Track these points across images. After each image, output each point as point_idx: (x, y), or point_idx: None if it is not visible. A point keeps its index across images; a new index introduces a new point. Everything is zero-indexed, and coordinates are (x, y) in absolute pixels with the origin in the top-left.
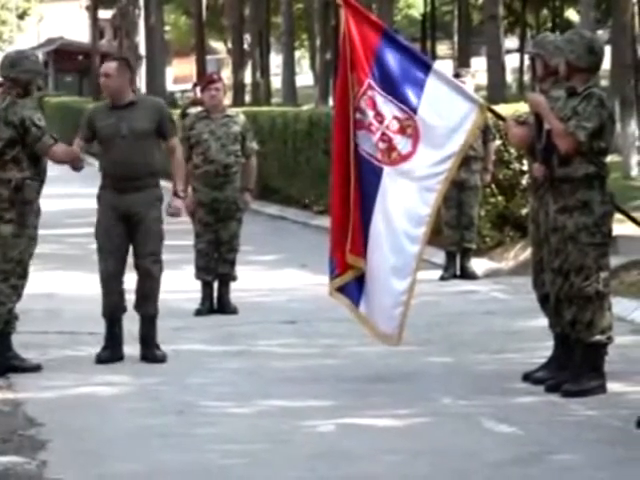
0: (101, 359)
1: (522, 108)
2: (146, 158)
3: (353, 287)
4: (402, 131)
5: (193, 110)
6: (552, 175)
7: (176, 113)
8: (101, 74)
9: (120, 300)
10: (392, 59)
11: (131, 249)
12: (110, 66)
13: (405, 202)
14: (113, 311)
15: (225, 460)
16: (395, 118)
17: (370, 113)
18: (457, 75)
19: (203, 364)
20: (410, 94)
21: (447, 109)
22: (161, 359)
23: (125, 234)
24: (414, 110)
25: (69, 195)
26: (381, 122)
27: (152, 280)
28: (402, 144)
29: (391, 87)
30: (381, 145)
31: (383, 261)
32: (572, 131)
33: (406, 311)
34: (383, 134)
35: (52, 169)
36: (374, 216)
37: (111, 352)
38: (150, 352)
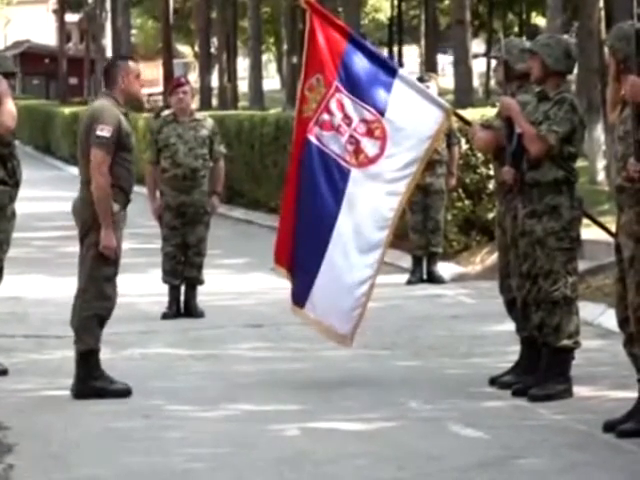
0: None
1: (489, 112)
2: None
3: (299, 288)
4: (370, 133)
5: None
6: (522, 179)
7: (142, 117)
8: (139, 75)
9: None
10: (359, 63)
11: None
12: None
13: (371, 206)
14: None
15: (191, 464)
16: (362, 121)
17: (339, 115)
18: (421, 80)
19: (169, 368)
20: (377, 96)
21: (413, 113)
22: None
23: None
24: (381, 112)
25: (36, 198)
26: (349, 125)
27: None
28: (369, 146)
29: (358, 90)
30: (349, 147)
31: (346, 263)
32: (543, 135)
33: (363, 313)
34: (351, 136)
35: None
36: (339, 218)
37: None
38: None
